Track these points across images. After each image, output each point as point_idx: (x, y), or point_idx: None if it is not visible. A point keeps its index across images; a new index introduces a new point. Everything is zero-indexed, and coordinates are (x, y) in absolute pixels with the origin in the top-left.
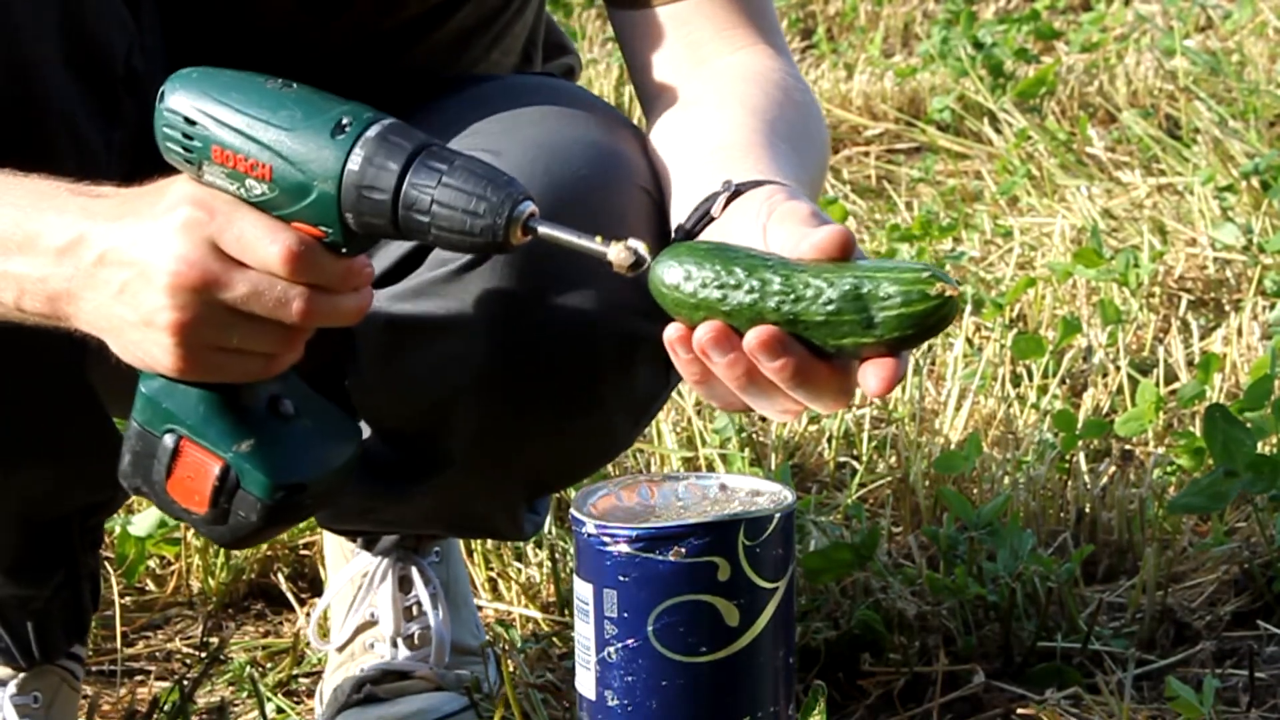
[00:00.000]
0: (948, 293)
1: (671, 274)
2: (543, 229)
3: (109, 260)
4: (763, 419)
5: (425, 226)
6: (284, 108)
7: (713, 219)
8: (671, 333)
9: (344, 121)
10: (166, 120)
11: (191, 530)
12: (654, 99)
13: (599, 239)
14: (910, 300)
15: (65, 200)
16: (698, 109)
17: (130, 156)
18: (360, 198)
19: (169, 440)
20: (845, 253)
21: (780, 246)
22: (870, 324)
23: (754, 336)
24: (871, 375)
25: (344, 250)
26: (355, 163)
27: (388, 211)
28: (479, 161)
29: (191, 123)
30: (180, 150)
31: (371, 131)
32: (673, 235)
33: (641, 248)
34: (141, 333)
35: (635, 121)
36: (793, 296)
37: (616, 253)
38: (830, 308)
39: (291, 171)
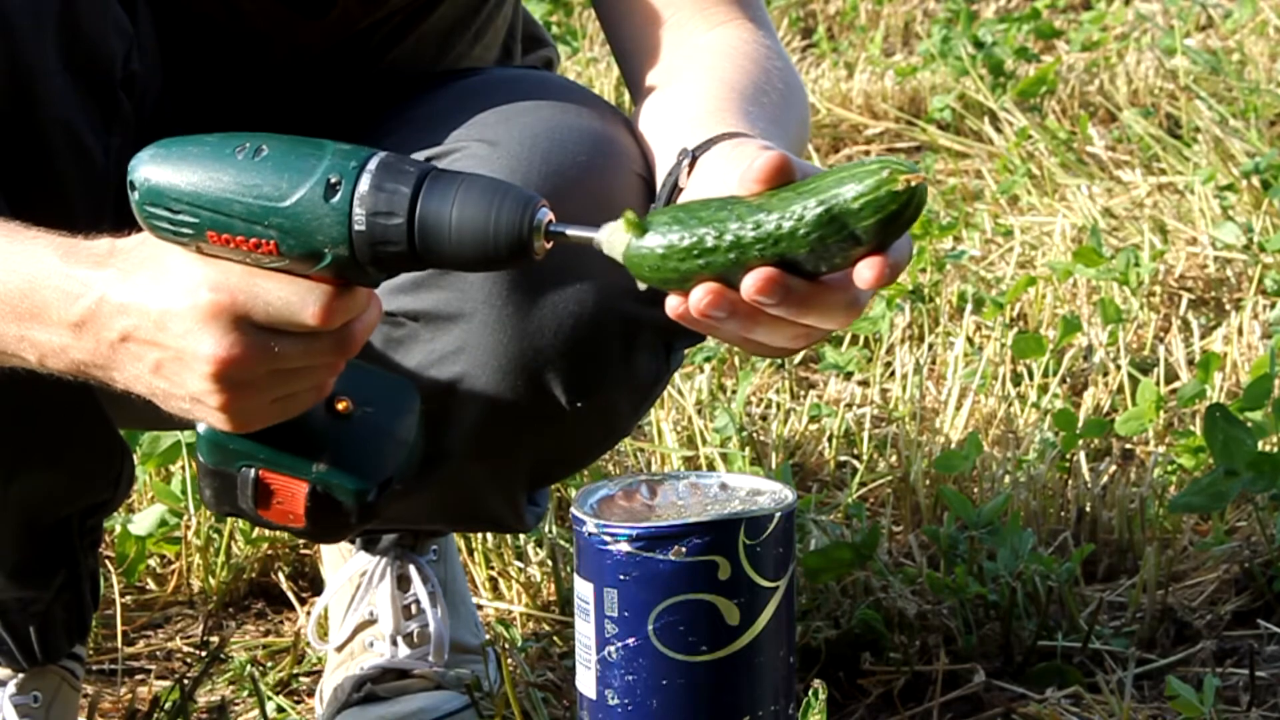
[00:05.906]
0: (913, 182)
1: (646, 255)
2: (571, 231)
3: (135, 338)
4: (763, 418)
5: (448, 258)
6: (266, 179)
7: (681, 190)
8: (674, 307)
9: (332, 180)
10: (146, 205)
11: (191, 530)
12: (638, 83)
13: None
14: (881, 205)
15: (59, 270)
16: (675, 90)
17: (128, 159)
18: (377, 253)
19: (248, 473)
20: (784, 175)
21: (730, 186)
22: (855, 239)
23: (751, 284)
24: (864, 270)
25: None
26: (360, 222)
27: (406, 254)
28: (481, 178)
29: (175, 210)
30: (170, 231)
31: (364, 184)
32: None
33: None
34: (189, 404)
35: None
36: (771, 240)
37: None
38: (813, 237)
39: (297, 244)
